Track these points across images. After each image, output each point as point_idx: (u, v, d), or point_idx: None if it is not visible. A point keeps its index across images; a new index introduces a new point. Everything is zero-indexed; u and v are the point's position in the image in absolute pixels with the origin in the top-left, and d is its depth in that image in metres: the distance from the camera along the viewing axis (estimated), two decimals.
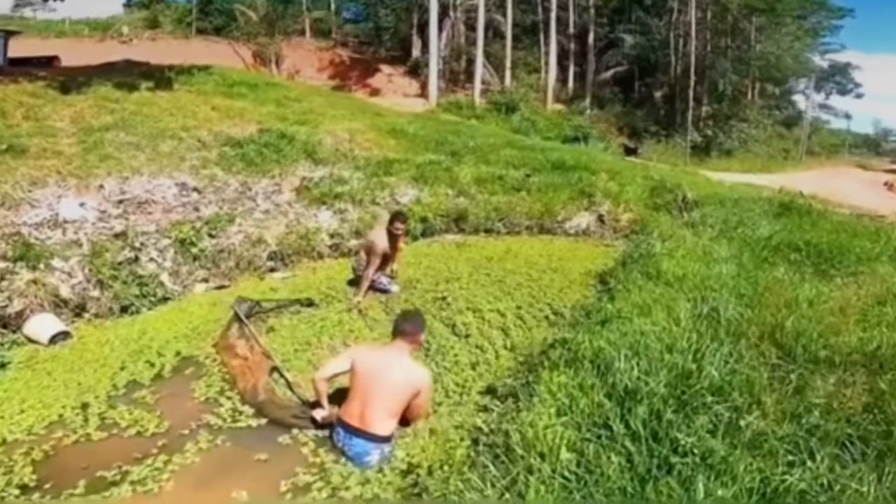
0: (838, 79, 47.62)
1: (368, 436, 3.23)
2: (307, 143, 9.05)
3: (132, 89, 9.32)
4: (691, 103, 26.31)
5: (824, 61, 43.70)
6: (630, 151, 23.52)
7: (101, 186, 6.52)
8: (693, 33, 26.86)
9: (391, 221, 5.94)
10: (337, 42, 31.18)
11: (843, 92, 48.97)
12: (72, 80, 9.14)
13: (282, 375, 4.28)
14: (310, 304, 5.66)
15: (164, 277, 5.92)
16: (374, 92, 26.37)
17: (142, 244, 6.03)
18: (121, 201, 6.45)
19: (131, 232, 6.12)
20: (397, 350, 3.50)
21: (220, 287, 6.20)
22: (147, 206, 6.57)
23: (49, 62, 14.28)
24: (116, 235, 5.98)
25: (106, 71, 11.38)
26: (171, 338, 4.89)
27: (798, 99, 43.94)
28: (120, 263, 5.69)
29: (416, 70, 26.96)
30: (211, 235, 6.56)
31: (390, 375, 3.33)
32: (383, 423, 3.26)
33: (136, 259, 5.86)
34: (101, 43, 25.53)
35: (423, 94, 24.66)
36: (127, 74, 10.66)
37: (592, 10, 30.57)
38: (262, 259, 6.66)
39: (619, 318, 4.01)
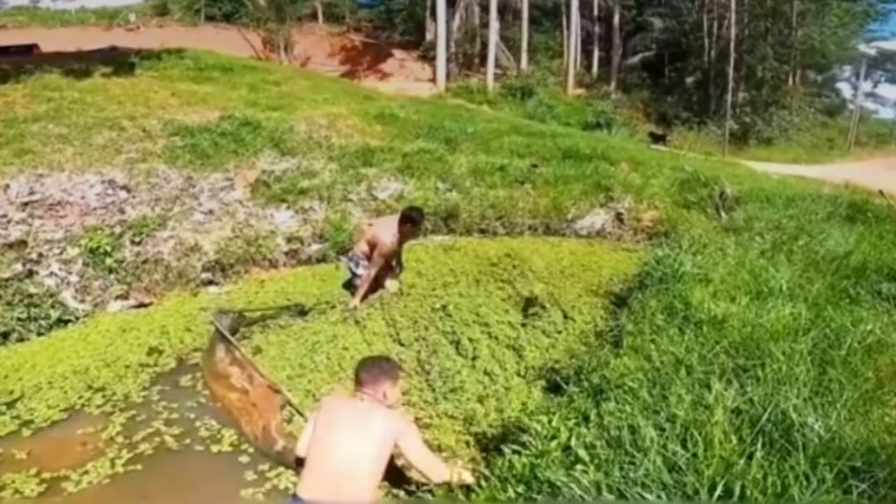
0: (888, 66, 44.55)
1: None
2: (275, 130, 7.91)
3: (83, 76, 8.33)
4: (729, 89, 24.27)
5: (871, 49, 40.82)
6: (657, 139, 21.72)
7: (7, 186, 5.51)
8: (731, 17, 24.77)
9: (406, 221, 5.05)
10: (350, 27, 30.03)
11: (893, 80, 45.89)
12: (15, 69, 8.19)
13: (299, 413, 3.42)
14: (302, 311, 5.01)
15: (67, 295, 4.89)
16: (386, 77, 25.19)
17: (40, 255, 5.00)
18: (27, 203, 5.43)
19: (32, 240, 5.10)
20: (362, 403, 2.63)
21: (140, 305, 5.14)
22: (60, 208, 5.54)
23: (28, 50, 13.51)
24: (11, 245, 4.97)
25: (86, 58, 10.49)
26: (45, 382, 3.84)
27: (842, 87, 41.28)
28: (7, 280, 4.67)
29: (430, 54, 25.62)
30: (134, 242, 5.50)
31: (357, 431, 2.51)
32: (362, 490, 2.42)
33: (31, 274, 4.84)
34: (107, 31, 24.94)
35: (435, 78, 23.38)
36: (107, 61, 9.73)
37: None
38: (196, 270, 5.58)
39: (615, 392, 2.72)
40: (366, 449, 2.45)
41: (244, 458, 3.25)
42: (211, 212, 6.20)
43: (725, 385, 2.53)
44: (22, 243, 5.03)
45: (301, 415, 3.46)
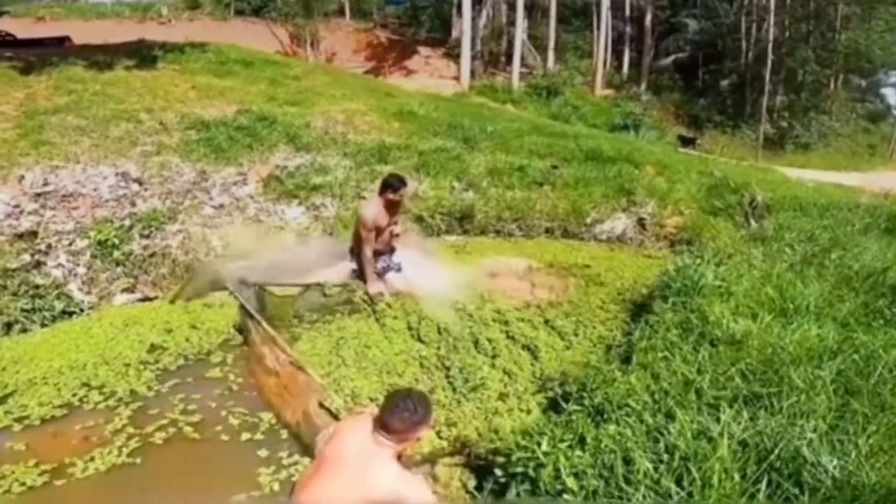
0: None
1: None
2: (291, 125, 7.86)
3: (106, 69, 8.40)
4: (766, 92, 23.52)
5: None
6: (687, 142, 21.14)
7: (22, 177, 5.55)
8: (770, 19, 23.99)
9: (384, 188, 4.78)
10: (376, 23, 30.04)
11: None
12: (41, 61, 8.29)
13: (321, 405, 3.22)
14: (323, 293, 4.84)
15: (73, 287, 4.88)
16: (410, 74, 25.10)
17: (49, 246, 5.01)
18: (40, 194, 5.45)
19: (43, 231, 5.12)
20: (375, 444, 2.22)
21: (145, 299, 5.11)
22: (72, 199, 5.56)
23: (61, 42, 13.79)
24: (21, 235, 4.99)
25: (112, 51, 10.62)
26: (40, 377, 3.81)
27: (887, 92, 39.54)
28: (14, 270, 4.68)
29: (455, 52, 25.44)
30: (143, 235, 5.49)
31: (350, 478, 2.14)
32: None
33: (39, 265, 4.85)
34: (140, 24, 25.47)
35: (460, 76, 23.20)
36: (131, 54, 9.82)
37: None
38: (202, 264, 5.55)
39: (617, 414, 2.54)
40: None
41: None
42: (221, 206, 6.17)
43: (735, 413, 2.33)
44: (32, 234, 5.05)
45: (323, 406, 3.30)
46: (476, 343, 4.42)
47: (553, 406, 3.45)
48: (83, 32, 19.67)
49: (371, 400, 3.66)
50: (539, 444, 2.41)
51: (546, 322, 4.84)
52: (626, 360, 3.53)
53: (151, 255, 5.37)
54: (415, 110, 9.89)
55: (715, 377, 2.75)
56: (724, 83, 27.94)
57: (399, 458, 2.27)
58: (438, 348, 4.37)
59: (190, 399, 3.69)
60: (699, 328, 3.53)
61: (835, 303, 3.78)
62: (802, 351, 2.93)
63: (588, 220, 7.95)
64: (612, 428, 2.45)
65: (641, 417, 2.54)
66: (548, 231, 7.86)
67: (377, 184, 7.70)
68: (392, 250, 5.15)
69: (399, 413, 2.22)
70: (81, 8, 27.50)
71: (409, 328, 4.62)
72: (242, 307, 4.26)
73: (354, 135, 8.45)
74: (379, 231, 4.82)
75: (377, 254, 4.96)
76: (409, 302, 4.90)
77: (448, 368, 4.08)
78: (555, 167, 8.85)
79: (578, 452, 2.36)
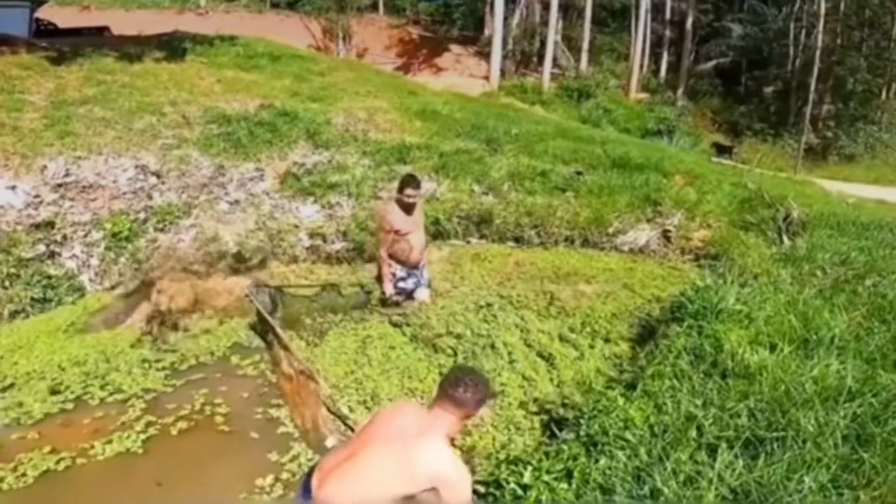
0: None
1: None
2: (312, 122, 7.84)
3: (136, 60, 8.52)
4: (810, 100, 22.67)
5: None
6: (723, 150, 20.41)
7: (44, 167, 5.64)
8: (820, 25, 23.13)
9: (400, 188, 4.81)
10: (409, 20, 30.00)
11: None
12: (73, 51, 8.46)
13: (330, 411, 3.29)
14: (339, 293, 5.06)
15: (85, 278, 4.95)
16: (440, 72, 24.99)
17: (65, 237, 5.08)
18: (61, 185, 5.54)
19: (60, 222, 5.20)
20: (431, 419, 2.18)
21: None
22: (91, 190, 5.63)
23: (99, 32, 14.11)
24: (38, 226, 5.07)
25: (144, 42, 10.80)
26: (38, 372, 3.84)
27: None
28: (29, 260, 4.76)
29: (486, 50, 25.23)
30: (157, 229, 5.53)
31: (395, 452, 2.08)
32: None
33: (53, 255, 4.92)
34: (180, 15, 25.92)
35: (489, 75, 22.98)
36: (162, 46, 9.96)
37: None
38: (214, 260, 5.56)
39: (611, 446, 2.40)
40: (394, 487, 2.07)
41: None
42: (237, 202, 6.18)
43: (735, 456, 2.17)
44: (49, 224, 5.13)
45: (331, 411, 3.34)
46: (493, 346, 4.46)
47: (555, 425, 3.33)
48: (124, 22, 20.13)
49: (389, 401, 3.81)
50: (522, 475, 2.30)
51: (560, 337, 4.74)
52: (632, 385, 3.38)
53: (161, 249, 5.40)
54: (438, 109, 9.78)
55: (720, 414, 2.58)
56: (769, 90, 27.05)
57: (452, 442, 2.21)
58: (456, 354, 4.40)
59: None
60: (712, 356, 3.36)
61: (863, 336, 3.53)
62: (819, 389, 2.74)
63: (610, 230, 7.71)
64: (602, 462, 2.32)
65: (637, 452, 2.40)
66: (567, 240, 7.64)
67: (395, 184, 7.72)
68: (421, 265, 5.09)
69: (465, 386, 2.18)
70: None
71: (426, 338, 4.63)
72: (259, 312, 4.34)
73: (375, 133, 8.39)
74: (398, 233, 4.74)
75: (409, 267, 4.95)
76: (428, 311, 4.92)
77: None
78: (579, 173, 8.62)
79: (564, 485, 2.24)
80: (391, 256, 4.80)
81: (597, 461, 2.36)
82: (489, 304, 5.24)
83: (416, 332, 4.63)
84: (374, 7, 30.06)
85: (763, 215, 7.36)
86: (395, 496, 2.05)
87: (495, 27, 22.31)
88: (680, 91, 26.47)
